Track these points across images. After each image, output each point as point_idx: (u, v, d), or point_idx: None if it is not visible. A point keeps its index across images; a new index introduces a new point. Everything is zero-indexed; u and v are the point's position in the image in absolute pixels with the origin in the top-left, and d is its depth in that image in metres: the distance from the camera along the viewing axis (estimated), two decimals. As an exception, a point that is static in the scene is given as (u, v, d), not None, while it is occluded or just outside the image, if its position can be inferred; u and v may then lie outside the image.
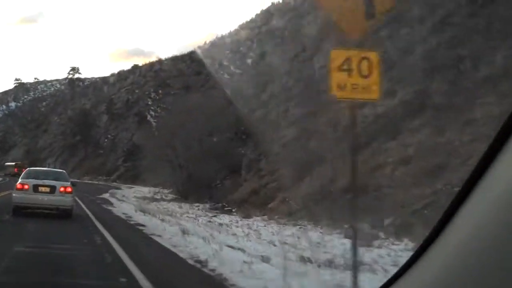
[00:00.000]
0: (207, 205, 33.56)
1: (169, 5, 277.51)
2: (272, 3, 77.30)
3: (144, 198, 37.92)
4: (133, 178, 71.73)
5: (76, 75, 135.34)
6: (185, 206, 31.29)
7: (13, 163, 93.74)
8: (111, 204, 27.96)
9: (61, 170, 21.64)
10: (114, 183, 72.38)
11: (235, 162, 39.68)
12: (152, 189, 55.18)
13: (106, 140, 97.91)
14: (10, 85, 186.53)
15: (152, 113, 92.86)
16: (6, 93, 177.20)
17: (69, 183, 17.18)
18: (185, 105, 48.92)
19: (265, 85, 49.51)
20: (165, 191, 51.41)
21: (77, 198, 23.42)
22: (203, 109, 43.73)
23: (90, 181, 75.88)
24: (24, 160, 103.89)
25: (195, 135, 40.34)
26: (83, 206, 22.72)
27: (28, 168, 20.68)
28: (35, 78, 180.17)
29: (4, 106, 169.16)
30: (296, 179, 26.62)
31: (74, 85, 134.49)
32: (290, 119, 36.59)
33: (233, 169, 39.60)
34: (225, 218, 22.25)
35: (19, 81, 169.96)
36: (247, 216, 22.93)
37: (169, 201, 37.00)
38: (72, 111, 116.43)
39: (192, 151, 39.63)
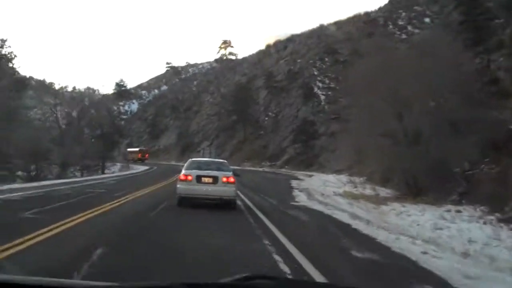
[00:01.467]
0: (478, 211, 19.70)
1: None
2: None
3: (351, 195, 25.14)
4: (307, 163, 59.46)
5: (228, 50, 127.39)
6: (447, 215, 17.63)
7: (137, 149, 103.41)
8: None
9: (223, 160, 21.28)
10: (283, 170, 61.09)
11: (492, 134, 25.40)
12: (338, 177, 42.76)
13: (266, 118, 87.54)
14: (162, 70, 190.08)
15: (320, 84, 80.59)
16: (158, 78, 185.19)
17: (231, 173, 17.10)
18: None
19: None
20: (357, 179, 38.75)
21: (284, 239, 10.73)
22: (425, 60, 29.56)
23: (252, 168, 65.62)
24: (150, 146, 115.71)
25: (424, 97, 26.36)
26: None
27: (191, 159, 19.79)
28: (186, 62, 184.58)
29: (156, 91, 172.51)
30: None
31: (226, 59, 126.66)
32: None
33: (494, 145, 25.25)
34: None
35: (170, 65, 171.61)
36: None
37: (396, 200, 23.45)
38: (225, 88, 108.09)
39: (425, 121, 25.63)
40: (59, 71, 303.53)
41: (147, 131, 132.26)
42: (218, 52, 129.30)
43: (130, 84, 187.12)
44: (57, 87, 77.66)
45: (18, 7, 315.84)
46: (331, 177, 42.77)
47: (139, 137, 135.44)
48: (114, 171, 63.04)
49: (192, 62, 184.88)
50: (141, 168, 61.71)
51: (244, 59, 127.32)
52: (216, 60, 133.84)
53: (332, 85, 78.72)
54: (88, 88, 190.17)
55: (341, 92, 69.21)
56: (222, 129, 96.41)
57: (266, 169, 63.69)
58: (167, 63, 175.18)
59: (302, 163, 60.94)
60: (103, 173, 57.75)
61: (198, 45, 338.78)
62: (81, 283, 3.09)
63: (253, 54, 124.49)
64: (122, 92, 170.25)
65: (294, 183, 35.39)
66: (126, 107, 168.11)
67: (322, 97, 77.32)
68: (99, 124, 66.13)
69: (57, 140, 54.79)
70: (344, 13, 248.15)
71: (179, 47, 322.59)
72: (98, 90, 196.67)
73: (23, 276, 2.60)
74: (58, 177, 44.65)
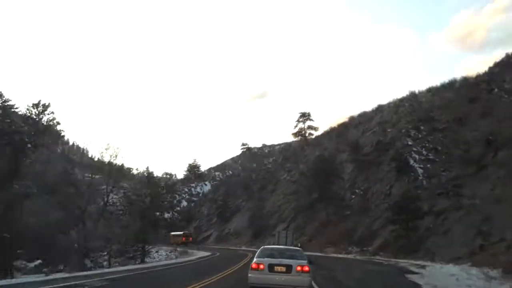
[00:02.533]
0: None
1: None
2: None
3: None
4: (408, 249, 47.82)
5: (307, 123, 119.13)
6: None
7: (181, 233, 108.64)
8: None
9: (297, 248, 21.51)
10: (377, 257, 49.83)
11: None
12: (461, 267, 32.26)
13: (353, 196, 77.50)
14: (237, 151, 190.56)
15: (416, 156, 69.86)
16: (233, 159, 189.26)
17: (306, 261, 16.58)
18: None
19: None
20: (490, 271, 28.39)
21: None
22: None
23: (338, 255, 55.45)
24: (192, 230, 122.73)
25: None
26: None
27: (263, 246, 19.49)
28: (262, 144, 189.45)
29: (230, 172, 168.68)
30: None
31: (305, 134, 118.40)
32: None
33: None
34: None
35: (246, 146, 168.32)
36: None
37: None
38: (304, 164, 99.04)
39: None
40: (142, 157, 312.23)
41: (217, 213, 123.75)
42: (296, 126, 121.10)
43: (205, 166, 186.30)
44: (135, 172, 71.51)
45: (95, 97, 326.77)
46: (452, 269, 32.19)
47: (209, 220, 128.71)
48: (160, 258, 53.38)
49: (268, 143, 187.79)
50: (199, 254, 52.63)
51: (324, 132, 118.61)
52: (294, 135, 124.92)
53: (431, 156, 68.18)
54: (166, 173, 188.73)
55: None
56: (301, 210, 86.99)
57: (358, 257, 52.71)
58: (243, 144, 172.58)
59: (401, 249, 49.31)
60: (142, 261, 47.81)
61: (275, 126, 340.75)
62: None
63: (334, 127, 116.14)
64: (195, 174, 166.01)
65: (418, 280, 24.68)
66: (198, 189, 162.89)
67: (420, 171, 66.48)
68: (141, 201, 56.41)
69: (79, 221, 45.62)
70: (436, 79, 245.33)
71: (256, 129, 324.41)
72: (175, 175, 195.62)
73: None
74: (75, 267, 34.92)
